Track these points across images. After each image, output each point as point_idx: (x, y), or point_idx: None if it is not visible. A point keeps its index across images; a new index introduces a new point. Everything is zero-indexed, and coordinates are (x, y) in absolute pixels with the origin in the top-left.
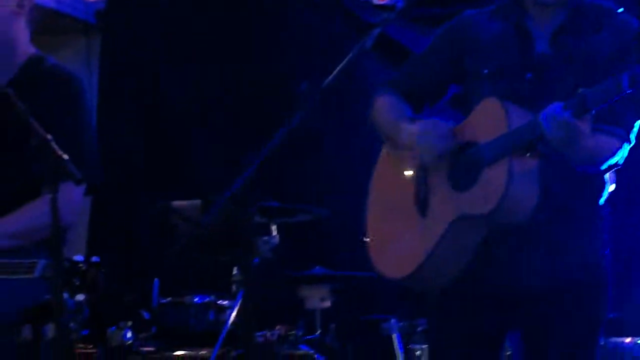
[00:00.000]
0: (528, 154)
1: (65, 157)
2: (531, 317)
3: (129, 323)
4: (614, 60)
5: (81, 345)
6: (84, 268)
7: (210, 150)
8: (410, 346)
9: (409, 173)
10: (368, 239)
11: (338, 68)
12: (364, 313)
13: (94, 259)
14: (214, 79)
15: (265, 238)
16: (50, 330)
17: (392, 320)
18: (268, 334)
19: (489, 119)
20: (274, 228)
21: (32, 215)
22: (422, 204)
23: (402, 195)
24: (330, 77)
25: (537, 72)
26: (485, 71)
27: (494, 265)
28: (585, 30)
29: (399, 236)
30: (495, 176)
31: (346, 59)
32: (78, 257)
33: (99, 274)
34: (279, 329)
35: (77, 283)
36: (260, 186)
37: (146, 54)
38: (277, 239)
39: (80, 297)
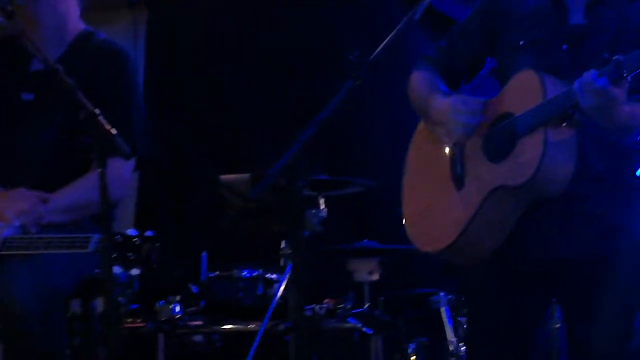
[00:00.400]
0: (564, 124)
1: (114, 131)
2: (571, 288)
3: (178, 297)
4: None
5: (130, 319)
6: (138, 242)
7: (259, 123)
8: (458, 319)
9: (443, 147)
10: (403, 214)
11: (386, 40)
12: (413, 286)
13: (148, 233)
14: (262, 50)
15: (314, 211)
16: (99, 304)
17: (441, 294)
18: (316, 307)
19: (524, 91)
20: (322, 201)
21: (82, 190)
22: (458, 178)
23: (437, 169)
24: (379, 49)
25: (572, 43)
26: (522, 42)
27: (532, 236)
28: (619, 1)
29: (435, 210)
30: (530, 146)
31: (394, 31)
32: (132, 232)
33: (153, 248)
34: (327, 302)
35: (132, 257)
36: (309, 159)
37: (193, 29)
38: (325, 212)
39: (134, 271)
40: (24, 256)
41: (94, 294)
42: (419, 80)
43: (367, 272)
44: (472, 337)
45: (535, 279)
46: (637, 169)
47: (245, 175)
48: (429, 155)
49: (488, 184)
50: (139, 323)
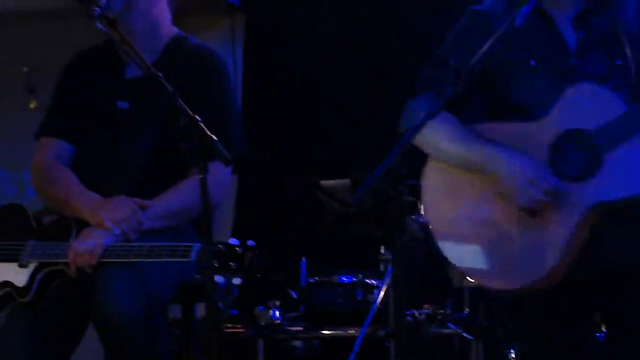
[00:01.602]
0: None
1: (214, 137)
2: (621, 298)
3: (277, 302)
4: None
5: (230, 325)
6: (240, 252)
7: (359, 128)
8: None
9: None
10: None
11: (488, 44)
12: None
13: (250, 242)
14: (361, 55)
15: (414, 216)
16: (200, 309)
17: None
18: (416, 313)
19: (590, 104)
20: (422, 206)
21: (181, 196)
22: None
23: (490, 199)
24: (480, 53)
25: (577, 55)
26: (533, 63)
27: (599, 246)
28: (603, 8)
29: (502, 243)
30: (627, 159)
31: (495, 35)
32: (233, 241)
33: (255, 258)
34: (427, 308)
35: (234, 267)
36: (410, 164)
37: (291, 34)
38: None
39: (236, 280)
40: (125, 264)
41: (194, 299)
42: (438, 124)
43: (467, 277)
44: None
45: (586, 289)
46: None
47: (346, 181)
48: (469, 185)
49: (578, 203)
50: (238, 328)
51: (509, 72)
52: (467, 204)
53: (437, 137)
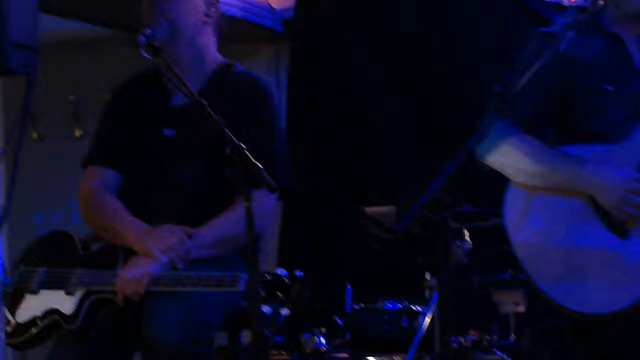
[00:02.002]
0: None
1: (259, 165)
2: None
3: (323, 329)
4: None
5: (275, 352)
6: (288, 282)
7: (403, 155)
8: None
9: (580, 198)
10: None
11: (532, 70)
12: (558, 317)
13: (298, 273)
14: (404, 82)
15: (459, 243)
16: (245, 336)
17: None
18: (462, 339)
19: None
20: (466, 232)
21: (228, 224)
22: (617, 226)
23: (579, 222)
24: (523, 79)
25: None
26: (609, 88)
27: None
28: None
29: (597, 266)
30: None
31: (539, 62)
32: (281, 271)
33: (303, 289)
34: (473, 334)
35: (282, 297)
36: (454, 190)
37: (334, 61)
38: (470, 244)
39: (284, 311)
40: (173, 292)
41: (240, 326)
42: (519, 147)
43: (512, 303)
44: None
45: None
46: None
47: (390, 208)
48: (556, 205)
49: None
50: (284, 356)
51: (585, 98)
52: (554, 226)
53: (518, 158)
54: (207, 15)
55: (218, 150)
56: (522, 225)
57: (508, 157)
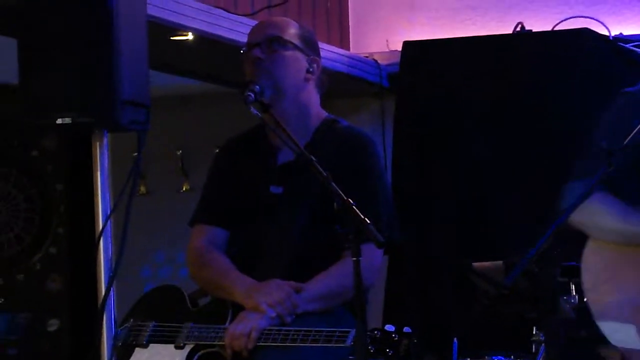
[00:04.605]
0: None
1: (367, 220)
2: None
3: None
4: None
5: None
6: (396, 338)
7: (511, 209)
8: None
9: None
10: None
11: (636, 129)
12: None
13: (406, 329)
14: (514, 138)
15: (566, 297)
16: None
17: None
18: None
19: None
20: (573, 287)
21: (335, 278)
22: None
23: None
24: (631, 135)
25: None
26: None
27: None
28: None
29: None
30: None
31: None
32: (390, 327)
33: (411, 345)
34: None
35: (390, 353)
36: (561, 245)
37: (440, 116)
38: (576, 298)
39: None
40: (281, 347)
41: None
42: (607, 208)
43: (619, 358)
44: None
45: None
46: None
47: (499, 263)
48: (631, 264)
49: None
50: None
51: None
52: (628, 285)
53: (598, 216)
54: (309, 71)
55: (325, 205)
56: (596, 283)
57: (589, 216)
